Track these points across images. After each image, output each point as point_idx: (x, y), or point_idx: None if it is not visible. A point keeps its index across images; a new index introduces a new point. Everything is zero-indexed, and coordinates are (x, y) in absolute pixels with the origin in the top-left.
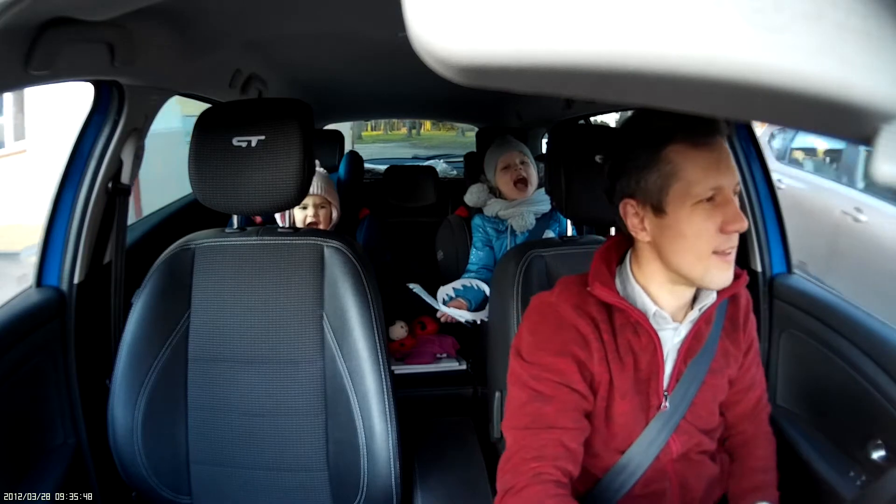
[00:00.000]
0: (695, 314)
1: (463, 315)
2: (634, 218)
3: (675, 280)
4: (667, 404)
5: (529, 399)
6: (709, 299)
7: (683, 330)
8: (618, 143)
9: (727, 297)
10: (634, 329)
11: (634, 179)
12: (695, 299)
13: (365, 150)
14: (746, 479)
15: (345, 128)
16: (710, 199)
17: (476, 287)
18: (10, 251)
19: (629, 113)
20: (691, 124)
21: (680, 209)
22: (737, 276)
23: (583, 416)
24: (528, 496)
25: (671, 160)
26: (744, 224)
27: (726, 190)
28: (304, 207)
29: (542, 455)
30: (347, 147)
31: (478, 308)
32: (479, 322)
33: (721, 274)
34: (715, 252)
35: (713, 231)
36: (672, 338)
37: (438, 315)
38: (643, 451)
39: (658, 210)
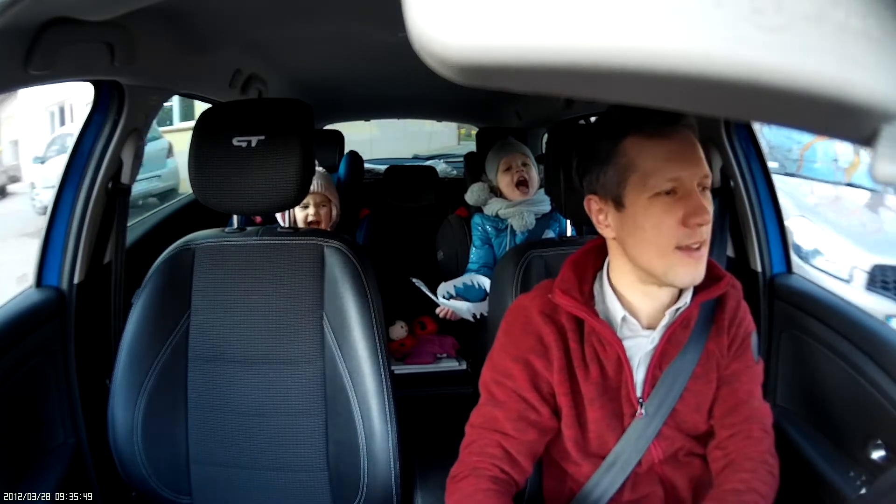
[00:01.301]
0: (667, 319)
1: (463, 306)
2: (599, 214)
3: (644, 279)
4: (642, 411)
5: (485, 401)
6: (682, 303)
7: (657, 336)
8: (581, 141)
9: (704, 301)
10: (599, 338)
11: (595, 175)
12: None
13: (473, 146)
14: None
15: (453, 126)
16: (670, 193)
17: (477, 285)
18: None
19: None
20: (647, 116)
21: (637, 201)
22: (718, 279)
23: (529, 427)
24: (463, 486)
25: (627, 153)
26: (706, 217)
27: (687, 181)
28: (306, 206)
29: (484, 452)
30: (453, 142)
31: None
32: (478, 316)
33: (686, 270)
34: (678, 248)
35: (674, 225)
36: (646, 345)
37: (438, 311)
38: (623, 457)
39: (618, 204)
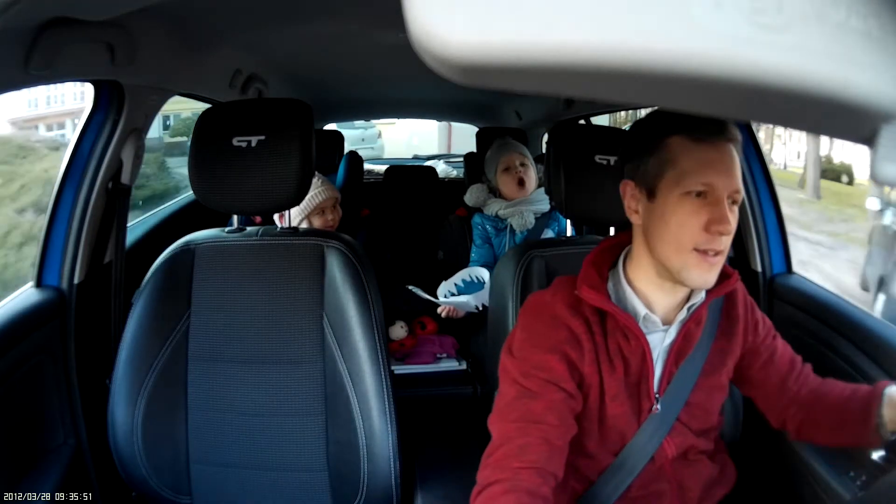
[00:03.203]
0: (683, 314)
1: (465, 299)
2: (631, 200)
3: (661, 273)
4: (658, 407)
5: (518, 395)
6: (698, 299)
7: (674, 331)
8: (632, 130)
9: (717, 297)
10: (624, 333)
11: (636, 163)
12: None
13: None
14: (840, 404)
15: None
16: (700, 195)
17: (476, 279)
18: None
19: (622, 114)
20: (699, 121)
21: (668, 197)
22: (727, 276)
23: (570, 415)
24: (503, 502)
25: (670, 149)
26: (728, 227)
27: (719, 190)
28: (322, 213)
29: (525, 455)
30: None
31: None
32: (479, 308)
33: (700, 273)
34: (696, 249)
35: (697, 227)
36: (662, 341)
37: (440, 310)
38: (637, 452)
39: (651, 195)
